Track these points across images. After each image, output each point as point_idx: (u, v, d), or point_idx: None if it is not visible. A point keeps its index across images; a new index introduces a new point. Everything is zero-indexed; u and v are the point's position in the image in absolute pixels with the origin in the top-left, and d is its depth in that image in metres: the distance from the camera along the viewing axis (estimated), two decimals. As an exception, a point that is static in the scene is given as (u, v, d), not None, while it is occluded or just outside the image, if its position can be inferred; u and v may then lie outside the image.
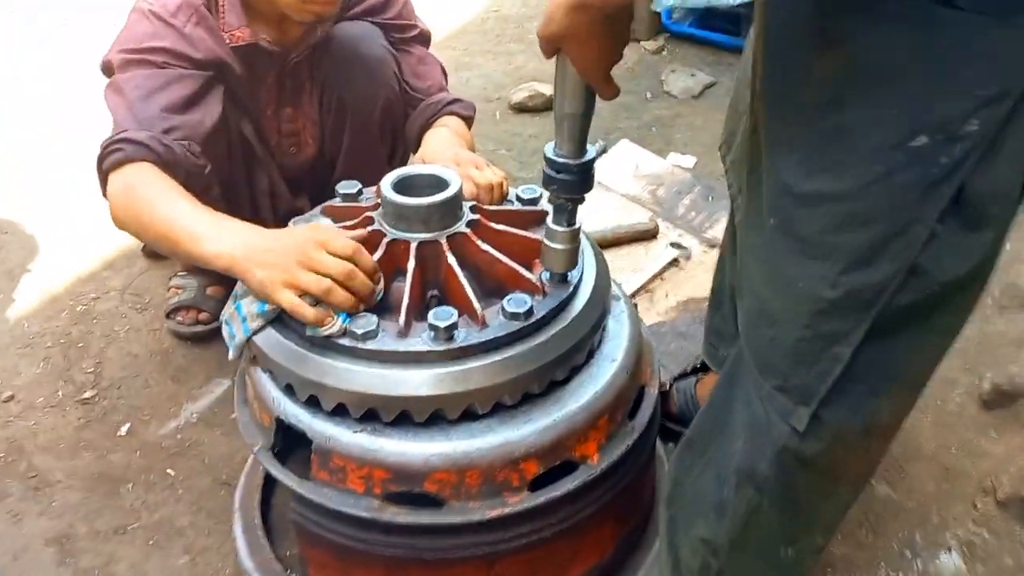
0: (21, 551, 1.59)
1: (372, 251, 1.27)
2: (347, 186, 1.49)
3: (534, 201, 1.45)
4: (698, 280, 2.12)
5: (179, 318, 2.05)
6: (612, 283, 1.42)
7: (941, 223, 0.86)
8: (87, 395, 1.92)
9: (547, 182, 1.15)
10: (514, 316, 1.21)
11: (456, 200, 1.33)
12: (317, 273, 1.19)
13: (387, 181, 1.34)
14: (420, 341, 1.20)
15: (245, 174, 1.85)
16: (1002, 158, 0.84)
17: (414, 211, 1.31)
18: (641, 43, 3.36)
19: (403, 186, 1.35)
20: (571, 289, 1.28)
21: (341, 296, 1.20)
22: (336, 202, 1.48)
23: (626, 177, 2.51)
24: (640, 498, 1.49)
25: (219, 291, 2.04)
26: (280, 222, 1.87)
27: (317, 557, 1.37)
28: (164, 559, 1.58)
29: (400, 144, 1.96)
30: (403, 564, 1.28)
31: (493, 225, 1.36)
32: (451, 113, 1.84)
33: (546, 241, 1.22)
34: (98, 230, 2.26)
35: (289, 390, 1.27)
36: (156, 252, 2.20)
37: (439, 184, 1.35)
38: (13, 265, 2.35)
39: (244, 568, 1.50)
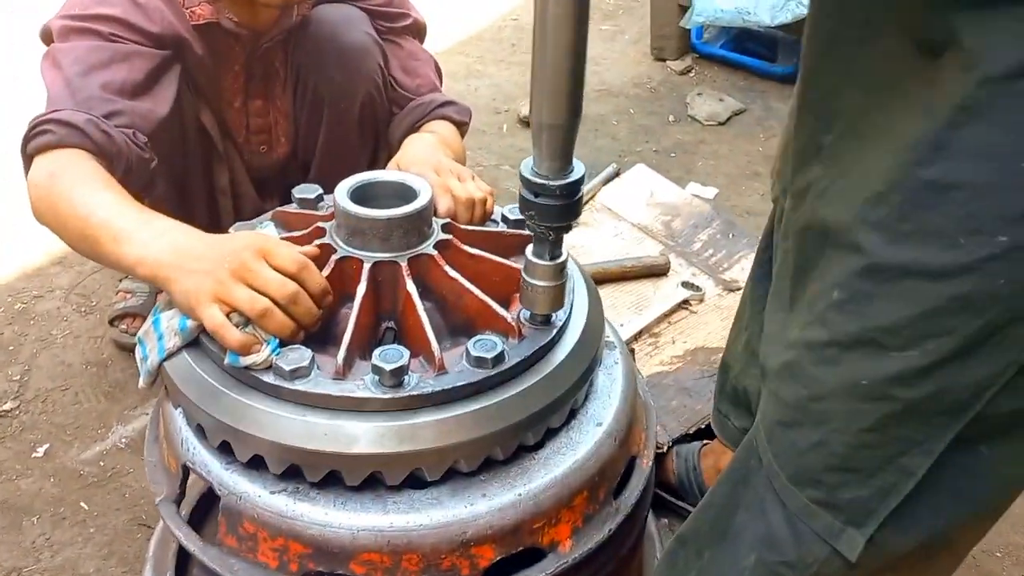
0: None
1: (319, 268, 1.04)
2: (306, 190, 1.27)
3: (522, 223, 1.21)
4: (711, 327, 1.88)
5: (123, 326, 1.82)
6: (607, 327, 1.19)
7: None
8: (6, 407, 1.69)
9: (525, 207, 0.92)
10: (480, 362, 0.99)
11: (423, 215, 1.11)
12: (253, 289, 0.97)
13: (343, 188, 1.12)
14: (361, 385, 0.97)
15: (202, 170, 1.62)
16: None
17: (370, 225, 1.08)
18: (667, 62, 3.13)
19: (362, 194, 1.13)
20: (553, 333, 1.05)
21: (278, 321, 0.98)
22: (291, 207, 1.26)
23: (639, 205, 2.28)
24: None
25: None
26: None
27: (222, 636, 1.13)
28: (58, 613, 1.34)
29: (383, 146, 1.73)
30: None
31: (467, 248, 1.13)
32: (443, 117, 1.61)
33: (525, 277, 0.99)
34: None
35: (200, 432, 1.04)
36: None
37: (405, 194, 1.13)
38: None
39: (146, 634, 1.26)
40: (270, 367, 0.98)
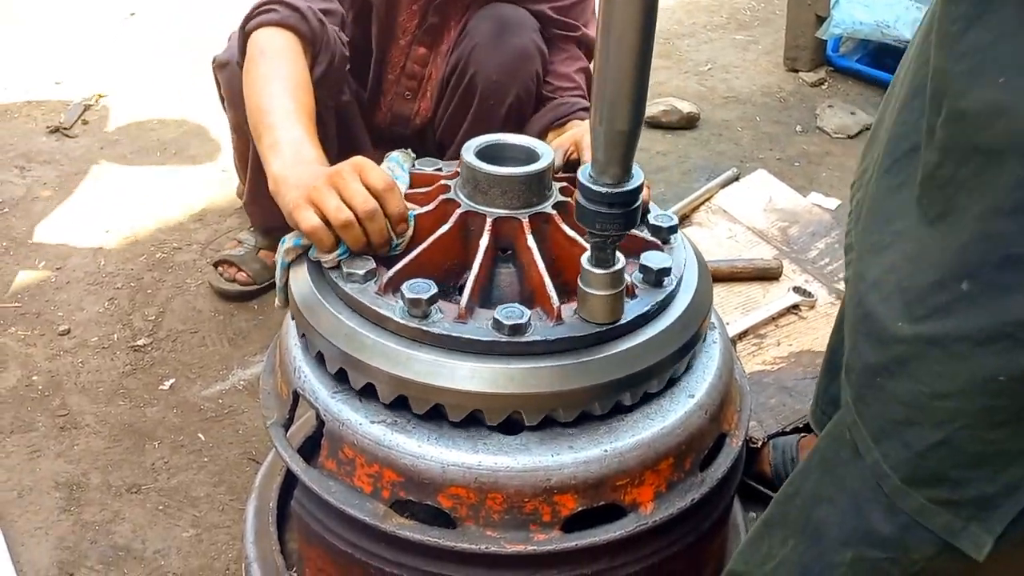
0: (28, 489, 1.50)
1: (442, 222, 1.10)
2: (427, 163, 1.34)
3: (660, 230, 1.20)
4: (819, 333, 1.85)
5: (220, 270, 1.96)
6: (712, 310, 1.19)
7: None
8: (141, 342, 1.83)
9: (581, 215, 0.92)
10: None
11: (544, 175, 1.14)
12: (342, 199, 1.05)
13: (470, 146, 1.17)
14: (481, 329, 1.01)
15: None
16: None
17: (495, 181, 1.12)
18: (799, 73, 3.08)
19: (488, 153, 1.18)
20: (663, 297, 1.07)
21: (353, 234, 1.05)
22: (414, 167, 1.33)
23: (756, 209, 2.25)
24: (700, 570, 1.24)
25: (270, 256, 1.93)
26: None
27: (314, 558, 1.20)
28: (169, 528, 1.45)
29: None
30: (402, 587, 1.09)
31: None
32: (583, 116, 1.65)
33: (582, 286, 0.99)
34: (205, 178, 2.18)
35: (319, 360, 1.11)
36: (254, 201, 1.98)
37: (529, 156, 1.17)
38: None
39: (245, 554, 1.35)
40: (336, 265, 1.07)
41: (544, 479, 1.00)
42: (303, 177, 1.12)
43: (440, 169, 1.32)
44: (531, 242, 1.09)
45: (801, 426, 1.53)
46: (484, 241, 1.09)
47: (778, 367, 1.74)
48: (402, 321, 1.02)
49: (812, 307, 1.95)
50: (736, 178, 2.42)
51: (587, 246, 1.06)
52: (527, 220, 1.11)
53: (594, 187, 0.89)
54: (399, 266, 1.07)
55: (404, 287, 1.02)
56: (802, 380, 1.65)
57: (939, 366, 0.79)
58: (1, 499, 1.48)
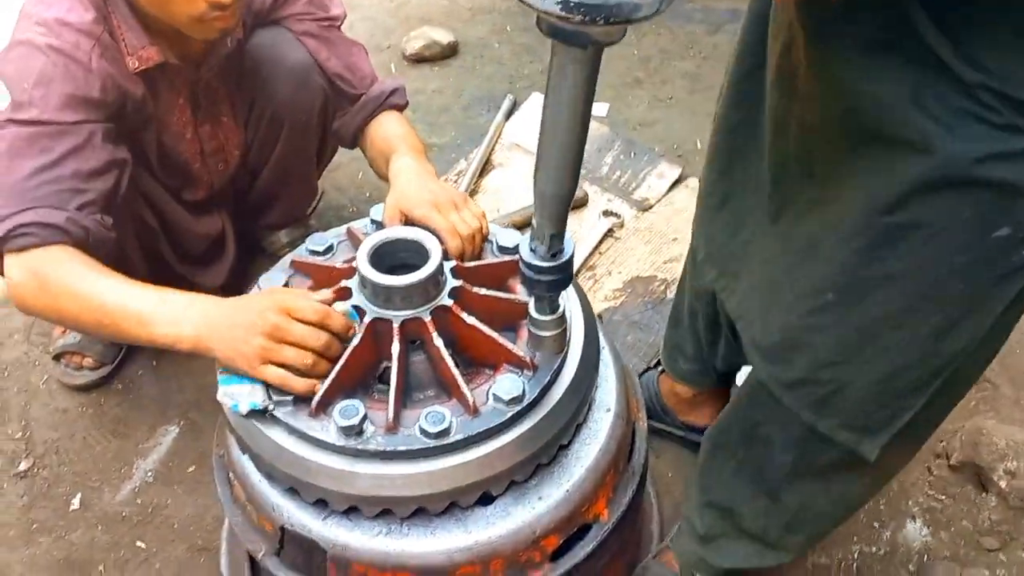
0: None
1: (376, 342, 1.21)
2: (317, 241, 1.39)
3: (513, 250, 1.39)
4: (637, 253, 2.12)
5: (64, 362, 1.91)
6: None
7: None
8: (22, 467, 1.78)
9: (530, 285, 1.09)
10: (511, 402, 1.18)
11: (439, 272, 1.26)
12: (293, 345, 1.13)
13: (364, 254, 1.26)
14: (414, 437, 1.16)
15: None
16: None
17: (395, 291, 1.23)
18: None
19: (382, 257, 1.28)
20: (560, 359, 1.26)
21: (321, 369, 1.15)
22: (304, 257, 1.38)
23: (542, 135, 2.43)
24: (639, 526, 1.54)
25: None
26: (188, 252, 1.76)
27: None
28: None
29: (328, 142, 1.89)
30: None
31: (476, 291, 1.31)
32: (391, 107, 1.75)
33: (533, 330, 1.19)
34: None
35: (293, 493, 1.22)
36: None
37: (419, 252, 1.28)
38: None
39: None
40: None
41: (531, 533, 1.21)
42: (213, 320, 1.17)
43: (332, 247, 1.39)
44: (437, 340, 1.22)
45: (656, 362, 1.82)
46: (396, 347, 1.21)
47: (620, 300, 2.01)
48: (339, 444, 1.14)
49: (622, 226, 2.22)
50: (514, 105, 2.57)
51: (487, 331, 1.23)
52: (430, 319, 1.24)
53: (536, 263, 1.05)
54: (326, 386, 1.17)
55: (336, 413, 1.13)
56: (645, 312, 1.93)
57: (821, 347, 1.12)
58: None
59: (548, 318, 1.17)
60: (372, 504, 1.16)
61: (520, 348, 1.23)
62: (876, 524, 1.62)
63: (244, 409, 1.15)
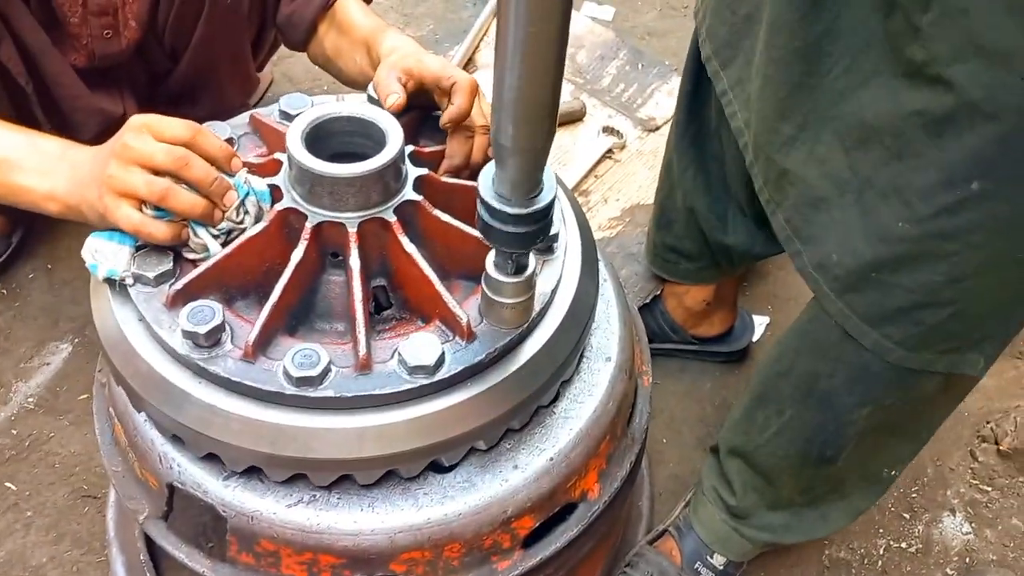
0: None
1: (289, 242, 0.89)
2: (295, 103, 1.08)
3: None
4: (639, 178, 1.82)
5: None
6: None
7: None
8: None
9: (485, 231, 0.77)
10: (414, 370, 0.86)
11: (387, 172, 0.93)
12: (144, 168, 0.86)
13: (295, 135, 0.93)
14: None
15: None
16: None
17: (319, 180, 0.91)
18: None
19: (321, 135, 0.95)
20: (556, 281, 0.95)
21: (182, 198, 0.87)
22: (268, 117, 1.08)
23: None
24: (628, 506, 1.25)
25: None
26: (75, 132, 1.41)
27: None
28: (22, 616, 1.23)
29: (268, 31, 1.49)
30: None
31: (445, 179, 1.00)
32: None
33: (487, 292, 0.86)
34: None
35: (178, 441, 0.91)
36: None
37: (374, 136, 0.95)
38: None
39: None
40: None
41: (500, 512, 0.92)
42: (80, 173, 0.91)
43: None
44: (409, 247, 0.92)
45: (659, 292, 1.56)
46: (355, 262, 0.90)
47: (616, 230, 1.70)
48: (183, 352, 0.85)
49: (623, 147, 1.90)
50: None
51: (468, 230, 0.92)
52: (355, 229, 0.91)
53: (497, 206, 0.74)
54: (196, 272, 0.89)
55: (185, 312, 0.84)
56: (643, 244, 1.62)
57: (955, 256, 0.90)
58: None
59: (509, 280, 0.84)
60: (278, 466, 0.86)
61: (459, 308, 0.89)
62: (907, 515, 1.36)
63: (101, 274, 0.88)
